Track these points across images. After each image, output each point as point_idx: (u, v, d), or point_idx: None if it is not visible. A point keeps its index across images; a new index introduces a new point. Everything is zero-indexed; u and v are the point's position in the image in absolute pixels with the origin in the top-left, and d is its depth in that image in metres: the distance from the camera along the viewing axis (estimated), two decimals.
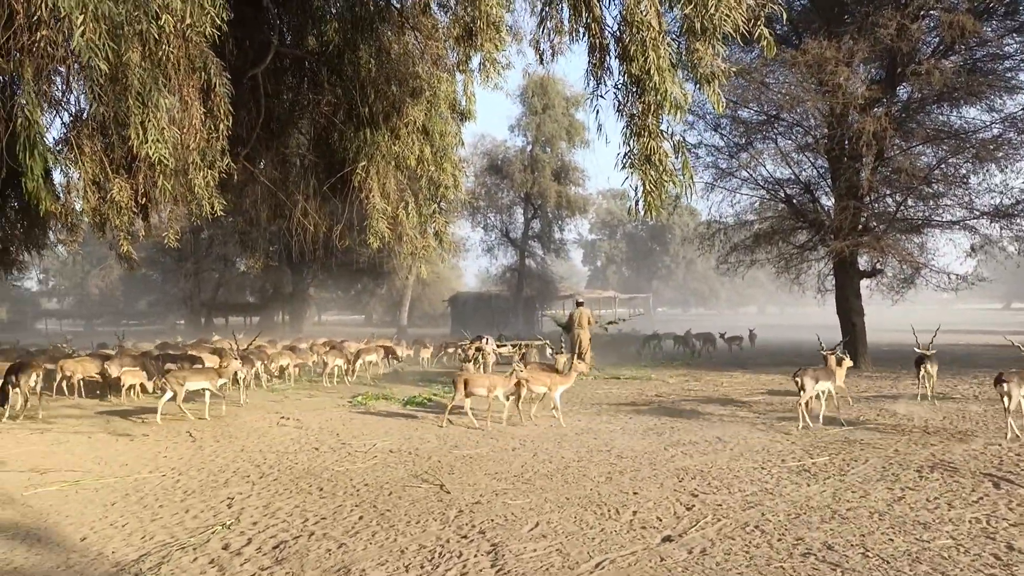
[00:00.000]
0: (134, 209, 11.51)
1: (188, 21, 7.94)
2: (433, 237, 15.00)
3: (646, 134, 8.23)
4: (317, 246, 16.49)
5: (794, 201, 21.49)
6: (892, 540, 5.06)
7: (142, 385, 13.10)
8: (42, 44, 7.14)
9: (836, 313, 20.07)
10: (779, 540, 5.09)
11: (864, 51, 16.88)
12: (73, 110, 11.77)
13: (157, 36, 8.55)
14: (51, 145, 13.07)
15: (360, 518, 5.70)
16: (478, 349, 15.87)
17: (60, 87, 11.89)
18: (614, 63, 9.02)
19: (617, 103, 8.87)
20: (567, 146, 40.76)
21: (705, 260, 37.46)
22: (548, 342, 19.22)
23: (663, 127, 8.48)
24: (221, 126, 11.08)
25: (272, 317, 48.46)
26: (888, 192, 19.76)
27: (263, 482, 7.01)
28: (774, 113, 21.14)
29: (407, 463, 7.76)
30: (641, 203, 8.48)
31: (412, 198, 14.61)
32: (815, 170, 21.57)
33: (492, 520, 5.58)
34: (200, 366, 13.58)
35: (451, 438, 9.26)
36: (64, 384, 13.22)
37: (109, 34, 7.53)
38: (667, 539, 5.16)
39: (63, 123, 11.97)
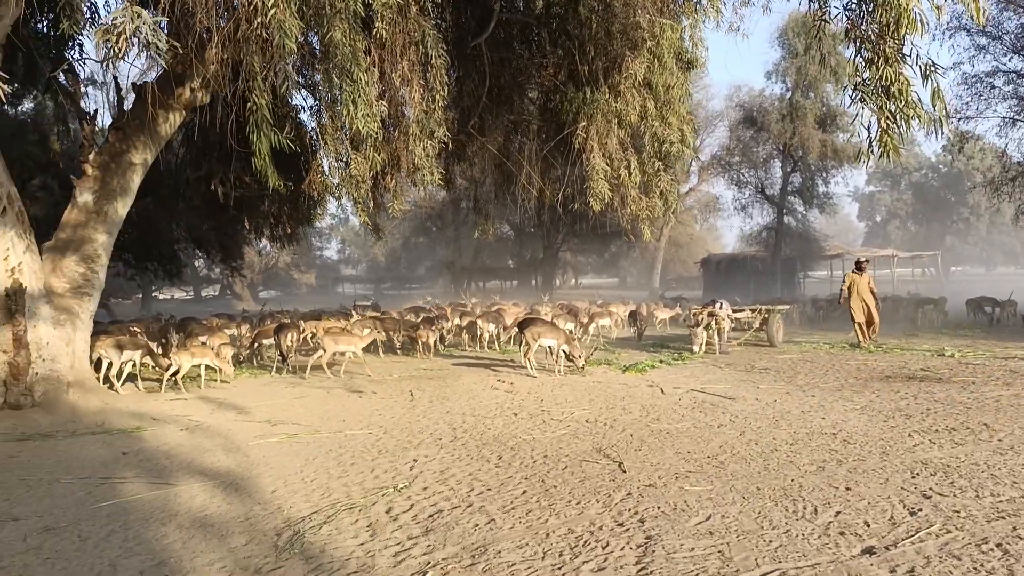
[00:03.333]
0: (369, 182, 12.37)
1: None
2: (659, 197, 14.23)
3: (880, 60, 6.80)
4: (542, 211, 16.54)
5: None
6: None
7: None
8: (259, 32, 7.75)
9: None
10: None
11: None
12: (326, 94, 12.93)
13: (364, 13, 8.93)
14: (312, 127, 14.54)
15: (523, 492, 5.46)
16: (711, 315, 14.85)
17: (304, 71, 13.19)
18: None
19: (848, 25, 7.43)
20: (834, 89, 36.51)
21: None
22: (793, 306, 17.51)
23: (906, 50, 6.93)
24: (438, 97, 11.39)
25: (529, 281, 50.52)
26: None
27: (452, 446, 7.10)
28: None
29: (597, 435, 7.39)
30: (875, 144, 7.05)
31: (635, 157, 13.96)
32: None
33: (659, 508, 5.01)
34: (551, 324, 13.51)
35: (656, 410, 8.69)
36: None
37: (313, 15, 8.00)
38: (868, 551, 4.21)
39: (307, 106, 13.27)
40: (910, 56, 6.96)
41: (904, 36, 6.74)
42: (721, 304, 15.39)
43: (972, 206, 62.96)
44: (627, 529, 4.63)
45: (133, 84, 11.84)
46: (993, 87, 18.74)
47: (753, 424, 7.76)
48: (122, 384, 10.87)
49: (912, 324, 20.02)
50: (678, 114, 14.05)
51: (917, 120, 6.99)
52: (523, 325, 12.74)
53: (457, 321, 17.50)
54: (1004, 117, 18.84)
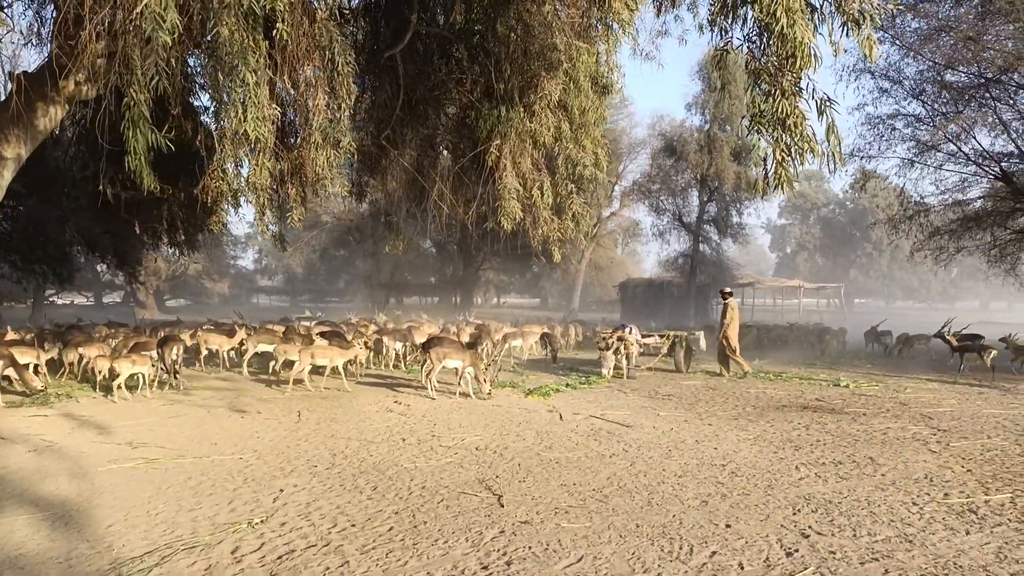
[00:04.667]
0: (269, 190, 11.78)
1: None
2: (571, 219, 14.13)
3: (778, 92, 6.80)
4: (453, 228, 16.24)
5: (1013, 179, 18.10)
6: None
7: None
8: (138, 23, 7.17)
9: None
10: None
11: None
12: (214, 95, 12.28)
13: (262, 12, 8.45)
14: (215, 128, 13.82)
15: (390, 529, 5.06)
16: (620, 339, 14.78)
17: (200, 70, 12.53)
18: (749, 10, 7.58)
19: (749, 56, 7.45)
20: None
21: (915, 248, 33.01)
22: (702, 333, 17.68)
23: (804, 84, 6.96)
24: (343, 105, 10.96)
25: (450, 298, 50.01)
26: None
27: (327, 474, 6.62)
28: (992, 76, 17.86)
29: (483, 464, 7.05)
30: (771, 176, 7.03)
31: (548, 178, 13.84)
32: None
33: (530, 548, 4.70)
34: (459, 345, 12.89)
35: (550, 437, 8.42)
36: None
37: (200, 8, 7.48)
38: None
39: (207, 108, 12.59)
40: (807, 91, 7.02)
41: (800, 70, 6.78)
42: (630, 329, 15.35)
43: (875, 242, 66.23)
44: (491, 573, 4.28)
45: (9, 73, 10.94)
46: (894, 129, 19.59)
47: (645, 454, 7.58)
48: None
49: (815, 353, 20.58)
50: (592, 137, 14.04)
51: (811, 153, 7.04)
52: (428, 345, 12.34)
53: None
54: (903, 158, 19.73)
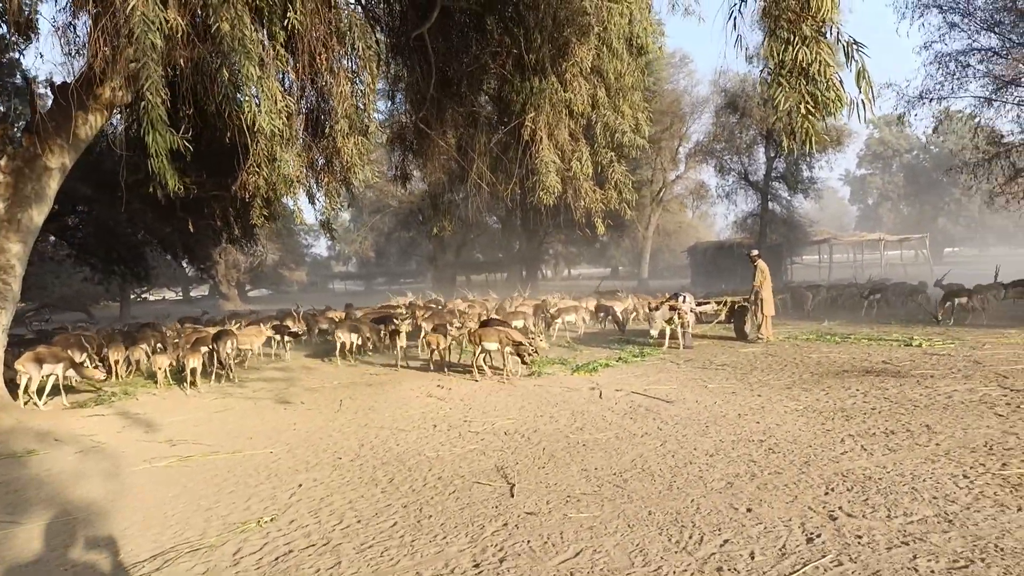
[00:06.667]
0: (306, 182, 11.85)
1: None
2: (613, 188, 13.69)
3: (797, 40, 6.25)
4: (504, 205, 16.01)
5: None
6: None
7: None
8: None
9: None
10: None
11: None
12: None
13: (260, 4, 8.37)
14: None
15: (393, 525, 4.96)
16: (672, 308, 14.28)
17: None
18: None
19: (767, 2, 6.89)
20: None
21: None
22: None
23: (826, 28, 6.38)
24: (367, 91, 10.86)
25: (518, 273, 49.90)
26: None
27: (349, 466, 6.60)
28: None
29: (507, 450, 6.88)
30: (797, 130, 6.51)
31: (587, 148, 13.42)
32: None
33: (529, 542, 4.51)
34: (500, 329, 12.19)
35: (584, 417, 8.18)
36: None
37: (200, 4, 7.45)
38: None
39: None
40: (830, 35, 6.42)
41: (822, 17, 6.18)
42: (684, 297, 14.83)
43: (963, 187, 62.13)
44: (481, 571, 4.12)
45: (51, 84, 11.29)
46: (967, 66, 18.14)
47: (680, 432, 7.26)
48: (44, 401, 10.38)
49: (893, 311, 19.46)
50: (631, 102, 13.54)
51: (839, 102, 6.46)
52: (482, 326, 12.27)
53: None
54: (978, 97, 18.28)
